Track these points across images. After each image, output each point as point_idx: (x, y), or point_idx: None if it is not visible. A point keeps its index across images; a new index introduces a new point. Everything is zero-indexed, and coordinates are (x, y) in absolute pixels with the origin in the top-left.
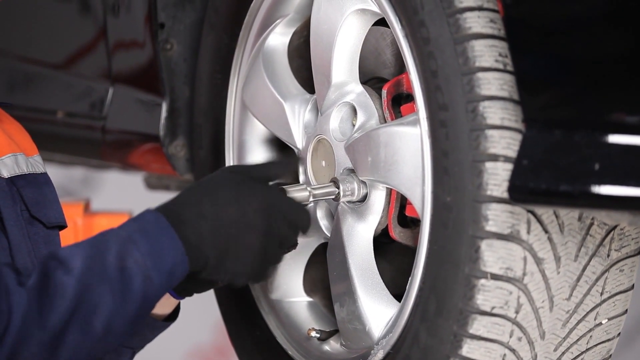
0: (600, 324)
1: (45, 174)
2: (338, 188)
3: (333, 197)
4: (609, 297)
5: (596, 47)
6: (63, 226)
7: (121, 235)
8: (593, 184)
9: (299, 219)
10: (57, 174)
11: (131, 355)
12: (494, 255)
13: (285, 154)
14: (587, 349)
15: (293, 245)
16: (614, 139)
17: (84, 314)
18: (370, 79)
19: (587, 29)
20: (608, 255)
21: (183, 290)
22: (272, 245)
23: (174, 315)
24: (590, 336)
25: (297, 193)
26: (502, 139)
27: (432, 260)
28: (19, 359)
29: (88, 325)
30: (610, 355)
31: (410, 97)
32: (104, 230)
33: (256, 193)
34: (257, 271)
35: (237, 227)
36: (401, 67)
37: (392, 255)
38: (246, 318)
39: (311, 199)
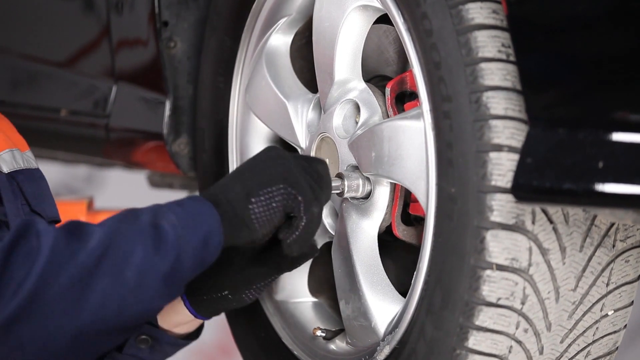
0: (607, 315)
1: (39, 169)
2: (343, 183)
3: (338, 192)
4: (615, 288)
5: (600, 45)
6: (58, 221)
7: (155, 206)
8: (597, 182)
9: (312, 163)
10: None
11: None
12: (499, 246)
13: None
14: (594, 341)
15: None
16: (618, 137)
17: (114, 259)
18: (374, 77)
19: (592, 27)
20: (613, 246)
21: (211, 310)
22: (298, 169)
23: (196, 333)
24: (597, 328)
25: None
26: (506, 129)
27: (438, 252)
28: (48, 292)
29: (119, 272)
30: (617, 347)
31: (413, 95)
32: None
33: (288, 160)
34: (300, 191)
35: (256, 166)
36: (404, 65)
37: (396, 253)
38: (251, 320)
39: None
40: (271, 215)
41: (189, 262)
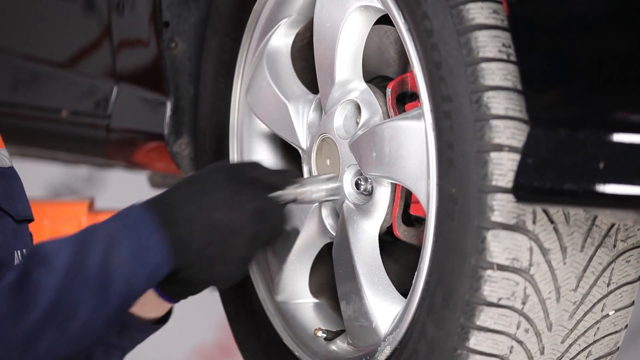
0: (607, 315)
1: (12, 168)
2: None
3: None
4: (616, 288)
5: (601, 45)
6: (31, 220)
7: (107, 233)
8: (598, 182)
9: (284, 223)
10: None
11: (120, 356)
12: (500, 246)
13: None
14: (595, 341)
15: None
16: (619, 137)
17: (61, 317)
18: (375, 78)
19: (592, 27)
20: (614, 246)
21: (176, 294)
22: (257, 248)
23: (165, 317)
24: (598, 328)
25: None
26: (507, 128)
27: (438, 252)
28: None
29: (64, 328)
30: (618, 347)
31: (414, 96)
32: (91, 225)
33: (249, 198)
34: (240, 274)
35: (227, 232)
36: (405, 66)
37: (397, 254)
38: (252, 321)
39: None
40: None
41: (135, 298)
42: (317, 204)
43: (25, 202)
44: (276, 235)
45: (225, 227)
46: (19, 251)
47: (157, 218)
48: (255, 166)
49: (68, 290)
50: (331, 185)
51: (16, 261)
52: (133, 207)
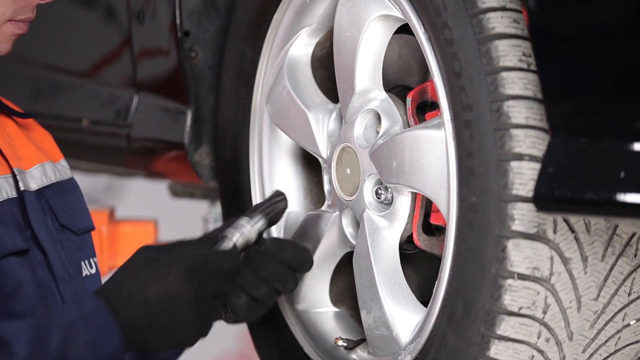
0: (629, 324)
1: (72, 179)
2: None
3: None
4: (637, 298)
5: (621, 54)
6: (92, 229)
7: (64, 323)
8: (618, 192)
9: (227, 266)
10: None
11: None
12: (520, 255)
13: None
14: (616, 351)
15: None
16: None
17: None
18: (395, 87)
19: (613, 36)
20: (635, 255)
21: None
22: (206, 302)
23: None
24: (619, 337)
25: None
26: (527, 138)
27: (459, 261)
28: None
29: None
30: (639, 357)
31: (434, 105)
32: (46, 313)
33: (173, 263)
34: (201, 328)
35: (165, 302)
36: (425, 75)
37: (417, 263)
38: (273, 330)
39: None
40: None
41: None
42: (337, 213)
43: (85, 213)
44: (228, 275)
45: (162, 299)
46: (86, 261)
47: (107, 307)
48: (176, 243)
49: None
50: (259, 224)
51: (84, 272)
52: (88, 297)
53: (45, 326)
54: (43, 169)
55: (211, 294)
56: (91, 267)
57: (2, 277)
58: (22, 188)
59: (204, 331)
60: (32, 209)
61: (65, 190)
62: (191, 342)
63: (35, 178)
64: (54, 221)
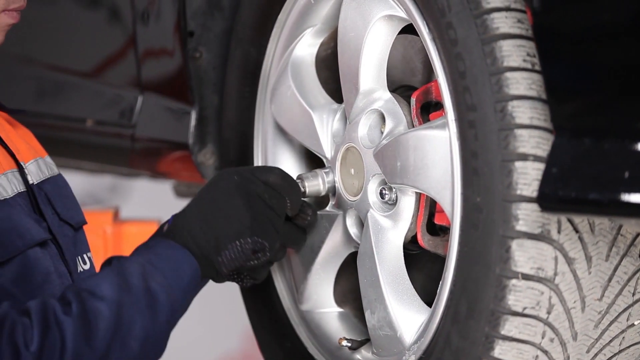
0: (633, 325)
1: (61, 175)
2: (303, 184)
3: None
4: None
5: (626, 54)
6: (84, 223)
7: (139, 261)
8: (623, 192)
9: (265, 174)
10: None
11: None
12: (524, 255)
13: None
14: (620, 351)
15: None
16: None
17: (121, 335)
18: (399, 87)
19: (617, 36)
20: None
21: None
22: (255, 203)
23: None
24: (623, 337)
25: None
26: (531, 138)
27: (463, 262)
28: None
29: (125, 344)
30: None
31: (439, 105)
32: (117, 258)
33: (220, 179)
34: (265, 238)
35: (220, 212)
36: (429, 75)
37: (421, 263)
38: (277, 330)
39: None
40: (238, 261)
41: (181, 310)
42: (341, 214)
43: (77, 208)
44: (273, 193)
45: (217, 210)
46: (79, 257)
47: (174, 240)
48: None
49: (120, 311)
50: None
51: (79, 268)
52: (154, 240)
53: (122, 267)
54: (37, 164)
55: (263, 204)
56: (85, 263)
57: (32, 266)
58: (30, 182)
59: (254, 228)
60: (42, 203)
61: (59, 185)
62: (245, 234)
63: (33, 172)
64: (54, 215)
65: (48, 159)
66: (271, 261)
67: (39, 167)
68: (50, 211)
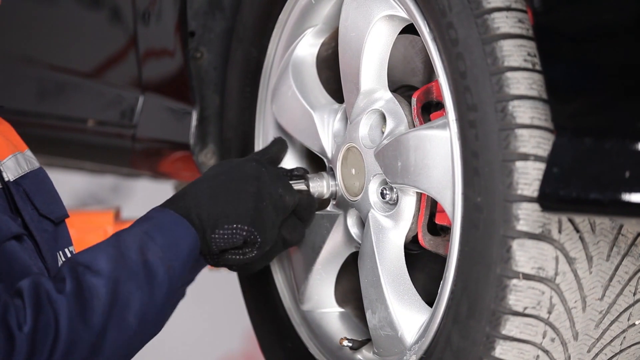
0: (634, 324)
1: (41, 169)
2: (307, 183)
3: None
4: None
5: (627, 54)
6: (66, 216)
7: (137, 233)
8: (623, 192)
9: (285, 189)
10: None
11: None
12: (525, 255)
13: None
14: (621, 350)
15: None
16: None
17: (118, 311)
18: (400, 87)
19: (618, 36)
20: None
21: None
22: (266, 202)
23: None
24: (624, 337)
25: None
26: (532, 137)
27: (464, 261)
28: (71, 358)
29: (123, 320)
30: None
31: (440, 105)
32: (117, 231)
33: (247, 165)
34: (260, 234)
35: (232, 193)
36: (430, 75)
37: (422, 263)
38: (278, 330)
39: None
40: (230, 243)
41: (179, 281)
42: (342, 213)
43: (58, 201)
44: (279, 189)
45: (227, 187)
46: (61, 252)
47: (176, 212)
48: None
49: (117, 286)
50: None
51: (60, 263)
52: (151, 211)
53: (119, 240)
54: (16, 159)
55: (268, 197)
56: (66, 258)
57: (10, 259)
58: (6, 179)
59: (266, 231)
60: (19, 200)
61: (39, 179)
62: (244, 221)
63: (10, 169)
64: (33, 211)
65: (28, 152)
66: (268, 257)
67: (18, 162)
68: (29, 207)
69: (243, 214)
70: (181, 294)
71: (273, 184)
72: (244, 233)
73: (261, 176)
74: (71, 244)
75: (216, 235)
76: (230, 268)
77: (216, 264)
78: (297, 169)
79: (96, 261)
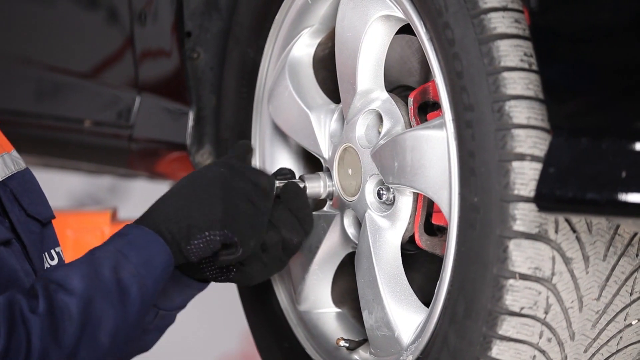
0: (630, 324)
1: (28, 170)
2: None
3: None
4: (639, 298)
5: (623, 54)
6: (53, 217)
7: (111, 250)
8: (620, 192)
9: (257, 176)
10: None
11: (173, 317)
12: (522, 255)
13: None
14: (618, 350)
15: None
16: None
17: (90, 330)
18: (396, 87)
19: (615, 36)
20: (637, 255)
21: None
22: (236, 199)
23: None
24: (621, 337)
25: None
26: (529, 138)
27: (460, 262)
28: None
29: (95, 339)
30: None
31: (436, 105)
32: (91, 249)
33: (209, 170)
34: (225, 215)
35: (198, 201)
36: (427, 75)
37: (419, 263)
38: (275, 330)
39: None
40: (208, 251)
41: (151, 298)
42: (339, 214)
43: (45, 202)
44: (251, 183)
45: (192, 197)
46: (46, 253)
47: (150, 229)
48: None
49: (90, 305)
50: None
51: (45, 265)
52: (127, 227)
53: (93, 258)
54: (3, 159)
55: (240, 194)
56: (52, 259)
57: None
58: None
59: (227, 222)
60: (7, 200)
61: (26, 180)
62: (215, 227)
63: None
64: (21, 211)
65: (14, 153)
66: (266, 263)
67: (5, 162)
68: (16, 208)
69: (213, 220)
70: (170, 320)
71: (240, 179)
72: (218, 238)
73: (224, 176)
74: (58, 245)
75: (191, 247)
76: (231, 280)
77: (211, 276)
78: (281, 168)
79: (69, 279)
